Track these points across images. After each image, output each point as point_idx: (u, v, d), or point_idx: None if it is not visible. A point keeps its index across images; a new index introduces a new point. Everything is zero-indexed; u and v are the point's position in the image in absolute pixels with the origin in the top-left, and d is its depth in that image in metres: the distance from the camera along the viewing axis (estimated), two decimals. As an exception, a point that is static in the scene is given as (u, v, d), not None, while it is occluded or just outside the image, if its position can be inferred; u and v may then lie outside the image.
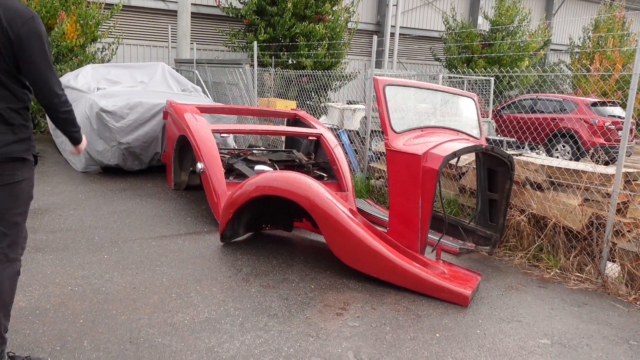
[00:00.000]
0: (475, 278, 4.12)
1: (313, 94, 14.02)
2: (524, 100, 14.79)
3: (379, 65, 21.17)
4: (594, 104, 13.52)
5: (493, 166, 5.08)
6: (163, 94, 8.00)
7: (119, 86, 8.29)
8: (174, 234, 4.95)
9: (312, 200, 4.10)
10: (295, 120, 7.37)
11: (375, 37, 8.08)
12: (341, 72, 15.71)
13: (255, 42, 10.68)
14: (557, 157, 12.46)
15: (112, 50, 12.48)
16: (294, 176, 4.31)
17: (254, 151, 6.35)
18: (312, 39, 15.28)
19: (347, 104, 15.66)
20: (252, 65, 10.05)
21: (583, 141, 13.10)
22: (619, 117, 13.53)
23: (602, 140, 13.11)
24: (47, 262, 4.09)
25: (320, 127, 6.62)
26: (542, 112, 13.97)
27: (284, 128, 6.37)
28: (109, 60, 12.38)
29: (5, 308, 2.56)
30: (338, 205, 4.13)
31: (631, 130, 13.79)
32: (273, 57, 15.03)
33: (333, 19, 15.68)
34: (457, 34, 19.64)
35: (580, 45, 22.81)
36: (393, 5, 20.26)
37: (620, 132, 13.40)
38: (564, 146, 13.56)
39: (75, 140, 2.86)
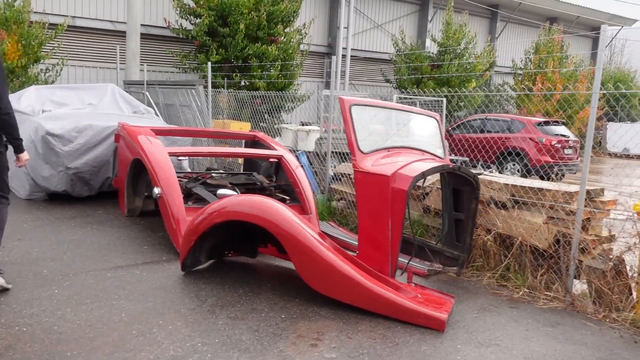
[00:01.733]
0: (448, 301, 4.03)
1: (266, 116, 13.89)
2: (473, 120, 15.13)
3: (329, 86, 21.29)
4: (540, 124, 13.98)
5: (458, 186, 5.06)
6: (114, 116, 7.66)
7: (65, 108, 7.90)
8: (130, 264, 4.65)
9: (280, 225, 3.93)
10: (254, 142, 7.19)
11: (333, 58, 8.05)
12: (294, 94, 15.67)
13: (209, 63, 10.46)
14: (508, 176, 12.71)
15: (57, 71, 12.00)
16: (260, 200, 4.13)
17: (213, 174, 6.13)
18: (265, 60, 15.19)
19: (301, 125, 15.62)
20: (205, 87, 9.82)
21: (530, 159, 13.46)
22: (564, 135, 14.04)
23: (548, 159, 13.48)
24: (-9, 300, 3.73)
25: (281, 148, 6.47)
26: (491, 131, 14.30)
27: (243, 150, 6.18)
28: (52, 82, 11.87)
29: None
30: (307, 230, 3.97)
31: (575, 149, 14.36)
32: (225, 78, 14.84)
33: (285, 41, 15.67)
34: (407, 56, 20.03)
35: (523, 67, 23.73)
36: (344, 27, 20.50)
37: (566, 150, 13.91)
38: (513, 165, 13.91)
39: (18, 148, 3.86)
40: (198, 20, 14.81)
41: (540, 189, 5.01)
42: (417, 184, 6.01)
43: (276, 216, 3.96)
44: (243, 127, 12.55)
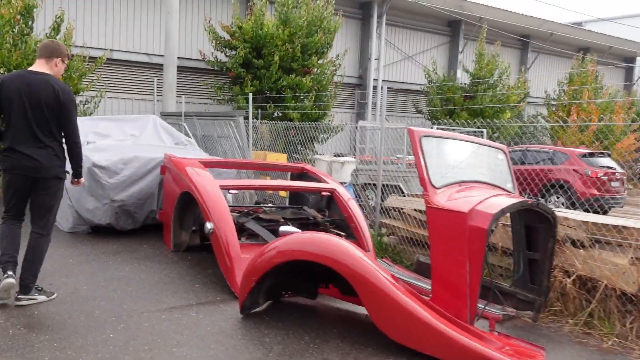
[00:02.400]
0: (539, 353, 3.65)
1: (299, 147, 13.73)
2: (513, 152, 14.73)
3: (361, 117, 21.17)
4: (585, 155, 13.51)
5: (532, 223, 4.70)
6: (158, 147, 7.51)
7: (109, 140, 7.79)
8: (184, 305, 4.37)
9: (352, 267, 3.63)
10: (300, 174, 6.95)
11: (379, 88, 7.80)
12: (329, 124, 15.51)
13: (250, 94, 10.35)
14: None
15: (95, 103, 12.02)
16: (328, 239, 3.84)
17: (265, 209, 5.87)
18: (299, 91, 15.12)
19: (334, 156, 15.40)
20: (246, 118, 9.68)
21: (576, 192, 12.96)
22: (610, 167, 13.53)
23: (594, 192, 12.96)
24: (43, 345, 3.48)
25: (332, 181, 6.21)
26: (532, 163, 13.87)
27: (295, 183, 5.94)
28: (91, 114, 11.89)
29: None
30: (380, 272, 3.66)
31: (622, 182, 13.82)
32: (259, 109, 14.78)
33: (319, 72, 15.61)
34: (439, 87, 19.82)
35: (556, 97, 23.34)
36: (375, 59, 20.46)
37: (612, 183, 13.37)
38: (557, 197, 13.41)
39: (79, 174, 4.43)
40: (233, 53, 14.86)
41: (625, 227, 4.64)
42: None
43: (347, 257, 3.66)
44: (279, 158, 12.38)
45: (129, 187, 6.56)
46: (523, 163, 14.17)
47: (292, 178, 7.09)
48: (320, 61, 15.73)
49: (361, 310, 4.42)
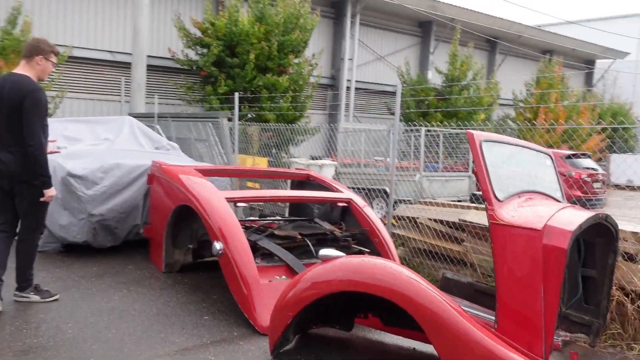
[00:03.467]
0: None
1: (273, 150, 13.03)
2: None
3: (334, 118, 20.61)
4: (568, 157, 13.33)
5: (589, 237, 4.18)
6: (137, 153, 6.68)
7: (80, 144, 6.90)
8: (197, 345, 3.62)
9: (419, 301, 2.98)
10: (301, 182, 6.27)
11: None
12: (306, 126, 14.85)
13: (237, 94, 9.59)
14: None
15: (56, 104, 11.00)
16: (384, 265, 3.19)
17: (279, 224, 5.14)
18: (275, 91, 14.41)
19: (311, 159, 14.72)
20: (230, 119, 8.92)
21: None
22: (593, 168, 13.39)
23: (578, 193, 12.77)
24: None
25: (345, 189, 5.55)
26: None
27: (310, 194, 5.26)
28: (51, 116, 10.84)
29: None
30: (449, 305, 3.03)
31: (604, 182, 13.71)
32: (231, 110, 13.98)
33: (296, 72, 14.94)
34: (412, 88, 19.46)
35: (524, 100, 23.42)
36: (348, 59, 19.93)
37: (595, 184, 13.23)
38: (541, 200, 13.14)
39: (45, 184, 4.04)
40: (205, 51, 14.00)
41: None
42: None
43: (411, 288, 3.01)
44: (258, 162, 11.64)
45: (110, 199, 5.73)
46: (506, 165, 13.90)
47: (294, 186, 6.39)
48: (296, 60, 15.07)
49: (407, 343, 3.79)
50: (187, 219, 5.12)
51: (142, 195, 5.91)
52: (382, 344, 3.84)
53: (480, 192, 10.77)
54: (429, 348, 3.72)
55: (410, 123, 19.61)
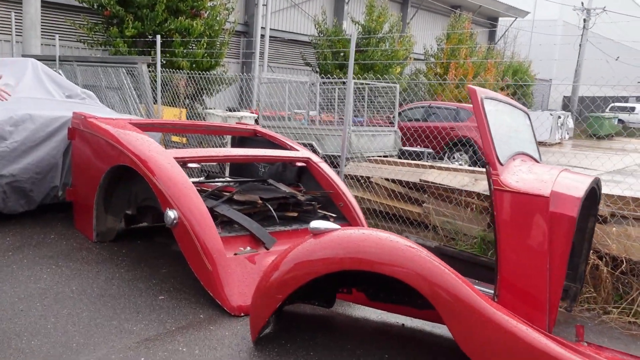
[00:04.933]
0: None
1: (187, 101, 12.15)
2: (416, 108, 14.50)
3: (248, 67, 19.71)
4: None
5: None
6: (49, 102, 5.72)
7: (-26, 91, 5.77)
8: (160, 333, 3.07)
9: (435, 281, 2.64)
10: (244, 139, 5.69)
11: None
12: (223, 75, 13.97)
13: (158, 37, 8.60)
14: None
15: None
16: (391, 240, 2.79)
17: (239, 189, 4.54)
18: (189, 36, 13.35)
19: (228, 111, 13.96)
20: (151, 65, 7.99)
21: (480, 149, 13.04)
22: (507, 125, 13.81)
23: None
24: None
25: (300, 147, 5.07)
26: (435, 120, 13.72)
27: (267, 153, 4.69)
28: None
29: None
30: (467, 286, 2.72)
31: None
32: (143, 55, 12.77)
33: (211, 16, 13.89)
34: (329, 39, 18.95)
35: (434, 55, 23.81)
36: (263, 4, 18.94)
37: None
38: (460, 155, 13.45)
39: None
40: (109, -13, 12.54)
41: (649, 200, 4.21)
42: (482, 192, 4.98)
43: (430, 270, 2.66)
44: (176, 114, 10.78)
45: (22, 158, 4.83)
46: (426, 120, 14.02)
47: (237, 143, 5.77)
48: (211, 3, 13.99)
49: (394, 318, 3.49)
50: (124, 182, 4.42)
51: (62, 152, 5.05)
52: (368, 320, 3.50)
53: (410, 148, 10.61)
54: (418, 323, 3.45)
55: (327, 75, 19.24)
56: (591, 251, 4.20)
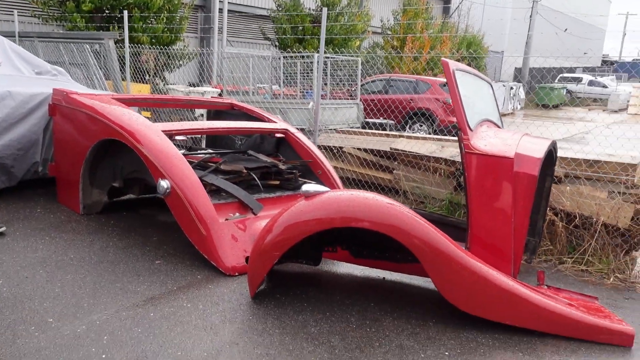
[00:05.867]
0: (600, 305, 3.45)
1: (147, 77, 12.10)
2: (378, 80, 14.81)
3: (207, 42, 19.53)
4: (445, 84, 14.08)
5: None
6: (26, 79, 5.74)
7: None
8: (163, 293, 3.31)
9: (419, 236, 2.97)
10: (219, 112, 5.87)
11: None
12: (183, 50, 13.90)
13: (126, 12, 8.54)
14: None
15: None
16: (376, 199, 3.09)
17: (225, 159, 4.74)
18: (148, 11, 13.19)
19: (189, 86, 13.95)
20: (118, 42, 7.97)
21: (439, 120, 13.54)
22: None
23: (454, 119, 13.62)
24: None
25: (277, 119, 5.31)
26: (396, 92, 14.08)
27: (247, 125, 4.89)
28: None
29: None
30: (445, 239, 3.06)
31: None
32: (101, 31, 12.57)
33: (169, -11, 13.75)
34: (287, 13, 18.96)
35: (391, 28, 24.11)
36: (220, -22, 18.74)
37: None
38: (420, 126, 13.89)
39: None
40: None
41: (597, 162, 4.67)
42: (444, 157, 5.34)
43: (411, 225, 2.98)
44: (142, 89, 10.77)
45: (3, 134, 4.90)
46: (387, 92, 14.37)
47: (213, 116, 5.95)
48: (170, -24, 13.83)
49: (376, 273, 3.83)
50: (109, 156, 4.57)
51: (42, 128, 5.13)
52: (353, 275, 3.83)
53: (372, 120, 10.95)
54: (397, 276, 3.80)
55: (286, 49, 19.29)
56: (548, 208, 4.65)
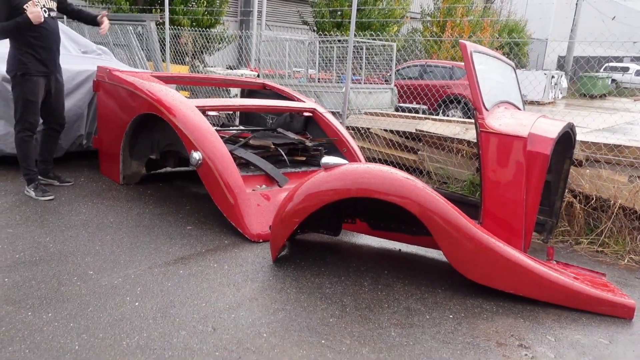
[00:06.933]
0: (607, 281, 3.57)
1: (187, 59, 12.46)
2: (414, 66, 14.82)
3: (246, 26, 19.84)
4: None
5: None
6: (73, 57, 6.10)
7: (-2, 46, 6.14)
8: (193, 254, 3.60)
9: (431, 208, 3.15)
10: (252, 91, 6.12)
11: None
12: (223, 33, 14.23)
13: (167, -6, 8.87)
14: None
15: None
16: (391, 172, 3.29)
17: (255, 134, 5.01)
18: (190, -6, 13.58)
19: (228, 69, 14.28)
20: (160, 24, 8.31)
21: (472, 106, 13.45)
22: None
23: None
24: (54, 328, 2.59)
25: (306, 99, 5.52)
26: (432, 78, 14.08)
27: (278, 103, 5.14)
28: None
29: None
30: (455, 211, 3.23)
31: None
32: (144, 13, 12.99)
33: (211, -27, 14.08)
34: (328, -3, 19.08)
35: (431, 13, 23.90)
36: (261, -38, 18.98)
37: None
38: (454, 112, 13.87)
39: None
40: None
41: (617, 146, 4.73)
42: (472, 140, 5.46)
43: (423, 196, 3.16)
44: (181, 71, 11.12)
45: (52, 108, 5.26)
46: (422, 78, 14.38)
47: (246, 95, 6.22)
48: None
49: (392, 245, 4.03)
50: (147, 130, 4.88)
51: (87, 103, 5.49)
52: (370, 246, 4.04)
53: (406, 105, 11.09)
54: (413, 248, 3.99)
55: (324, 33, 19.43)
56: (566, 190, 4.74)
